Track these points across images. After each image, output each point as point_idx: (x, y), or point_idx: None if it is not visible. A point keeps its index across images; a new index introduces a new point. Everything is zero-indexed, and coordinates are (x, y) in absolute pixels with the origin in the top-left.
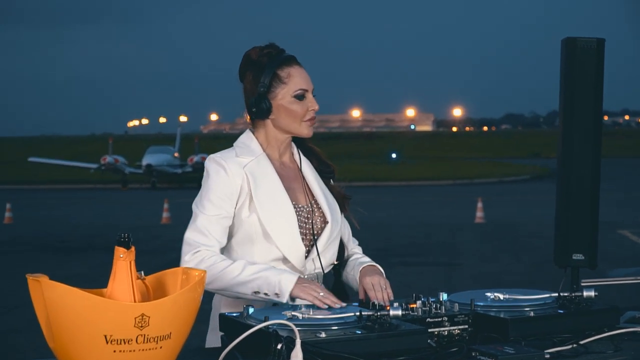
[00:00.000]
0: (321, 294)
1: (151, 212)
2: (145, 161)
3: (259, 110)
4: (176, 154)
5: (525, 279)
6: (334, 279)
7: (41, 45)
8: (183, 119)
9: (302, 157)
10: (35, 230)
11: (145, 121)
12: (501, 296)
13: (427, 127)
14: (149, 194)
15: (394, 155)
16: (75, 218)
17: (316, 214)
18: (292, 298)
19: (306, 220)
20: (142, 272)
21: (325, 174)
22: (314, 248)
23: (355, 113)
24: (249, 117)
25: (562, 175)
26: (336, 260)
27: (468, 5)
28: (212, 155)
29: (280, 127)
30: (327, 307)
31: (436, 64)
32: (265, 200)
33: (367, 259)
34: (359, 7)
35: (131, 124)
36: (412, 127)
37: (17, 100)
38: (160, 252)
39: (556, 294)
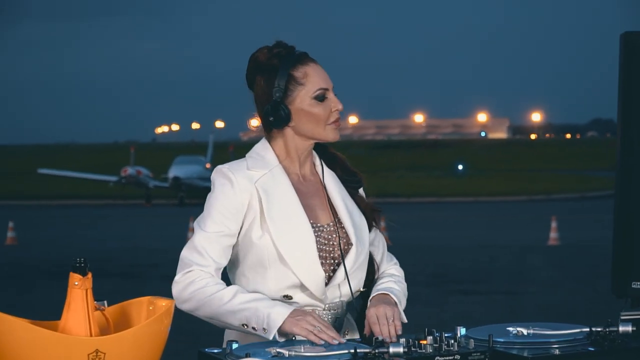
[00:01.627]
0: (317, 327)
1: (177, 232)
2: (172, 173)
3: (278, 118)
4: (208, 165)
5: (600, 310)
6: (360, 308)
7: (55, 40)
8: (219, 124)
9: (325, 168)
10: (40, 253)
11: (175, 127)
12: (525, 331)
13: (500, 134)
14: (176, 211)
15: (460, 167)
16: (89, 239)
17: (340, 235)
18: (285, 334)
19: (327, 242)
20: (105, 302)
21: (350, 183)
22: (336, 274)
23: (418, 118)
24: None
25: (620, 190)
26: (363, 287)
27: None
28: (219, 167)
29: (302, 134)
30: (323, 342)
31: (511, 60)
32: (279, 220)
33: (389, 284)
34: None
35: (159, 130)
36: (483, 134)
37: (27, 103)
38: None
39: (588, 329)
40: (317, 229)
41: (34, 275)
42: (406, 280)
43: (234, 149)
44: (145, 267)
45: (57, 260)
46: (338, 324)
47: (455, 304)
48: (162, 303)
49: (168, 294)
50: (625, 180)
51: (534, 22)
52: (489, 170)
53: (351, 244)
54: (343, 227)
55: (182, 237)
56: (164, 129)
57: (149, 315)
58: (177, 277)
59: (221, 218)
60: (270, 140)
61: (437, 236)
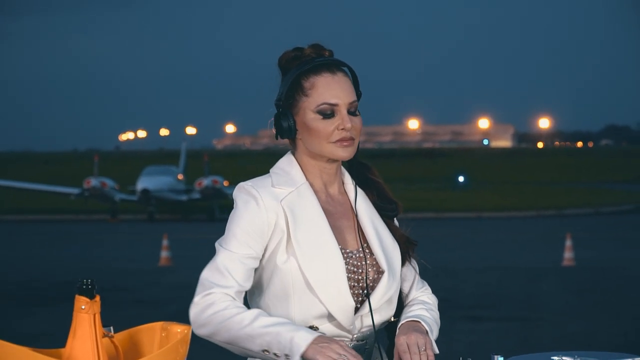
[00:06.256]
0: (343, 355)
1: (147, 251)
2: (140, 185)
3: (278, 128)
4: (180, 176)
5: (624, 341)
6: (391, 338)
7: (8, 32)
8: (190, 130)
9: (358, 189)
10: None
11: (142, 133)
12: None
13: (504, 143)
14: (145, 227)
15: (461, 179)
16: (48, 259)
17: (368, 262)
18: None
19: (355, 269)
20: (112, 328)
21: (385, 211)
22: (366, 303)
23: (413, 124)
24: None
25: None
26: (393, 317)
27: None
28: (242, 184)
29: (311, 149)
30: None
31: (516, 60)
32: (306, 243)
33: (420, 311)
34: None
35: (124, 137)
36: (486, 142)
37: None
38: (156, 303)
39: None
40: (346, 255)
41: None
42: None
43: (209, 158)
44: (113, 291)
45: (12, 282)
46: (367, 355)
47: (463, 333)
48: (178, 329)
49: (144, 322)
50: None
51: (541, 19)
52: (492, 183)
53: (382, 272)
54: (372, 254)
55: (153, 256)
56: (129, 135)
57: (162, 344)
58: (195, 299)
59: (246, 238)
60: (294, 153)
61: (437, 257)
